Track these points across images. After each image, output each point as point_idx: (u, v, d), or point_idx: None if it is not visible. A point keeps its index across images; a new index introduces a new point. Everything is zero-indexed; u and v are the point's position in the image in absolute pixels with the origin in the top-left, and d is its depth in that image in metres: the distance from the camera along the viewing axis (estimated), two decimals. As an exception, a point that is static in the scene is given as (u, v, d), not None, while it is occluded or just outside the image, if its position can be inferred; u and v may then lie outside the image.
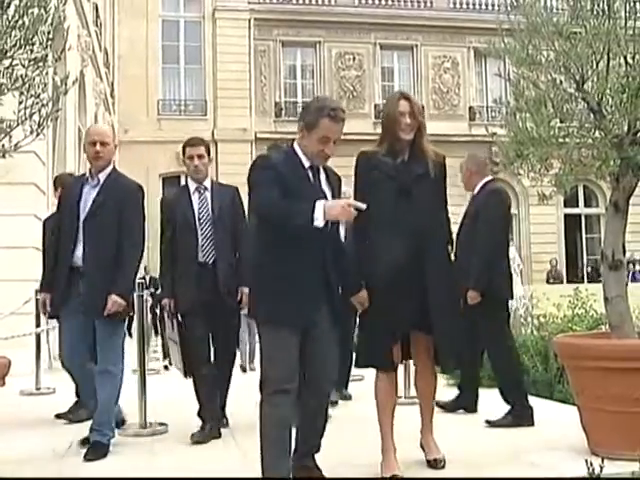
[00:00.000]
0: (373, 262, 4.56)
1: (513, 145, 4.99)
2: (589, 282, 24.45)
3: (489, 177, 6.73)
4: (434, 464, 4.76)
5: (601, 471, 4.40)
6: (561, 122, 4.96)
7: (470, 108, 30.64)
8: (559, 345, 5.46)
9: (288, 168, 4.11)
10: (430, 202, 4.65)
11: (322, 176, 4.25)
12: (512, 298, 6.69)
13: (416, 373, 4.94)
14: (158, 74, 29.13)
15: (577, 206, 31.49)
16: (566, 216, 31.24)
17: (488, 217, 6.37)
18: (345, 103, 29.37)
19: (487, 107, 30.61)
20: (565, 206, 30.53)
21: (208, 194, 6.26)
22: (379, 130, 4.65)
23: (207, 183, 6.34)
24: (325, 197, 4.10)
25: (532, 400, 6.49)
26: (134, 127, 27.35)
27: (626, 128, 4.84)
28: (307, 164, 4.17)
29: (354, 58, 30.07)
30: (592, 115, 4.89)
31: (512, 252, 21.27)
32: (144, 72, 28.50)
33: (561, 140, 4.91)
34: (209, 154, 6.41)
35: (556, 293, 10.28)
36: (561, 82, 4.95)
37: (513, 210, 31.39)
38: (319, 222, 3.83)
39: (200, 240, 6.09)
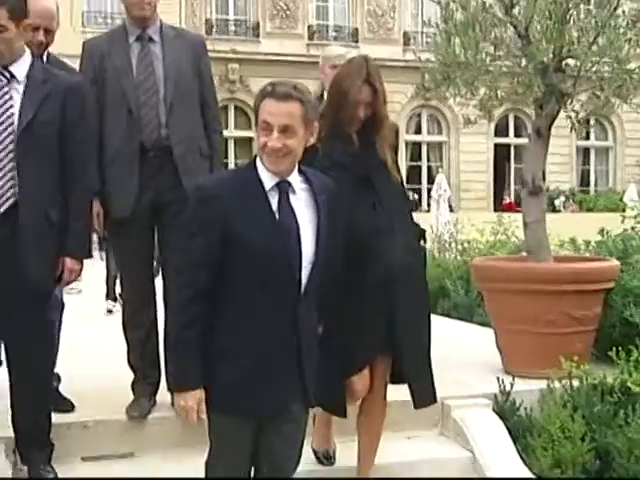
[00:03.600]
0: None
1: (441, 68, 5.04)
2: (517, 210, 24.92)
3: None
4: None
5: (511, 388, 4.63)
6: (490, 47, 5.01)
7: (405, 33, 30.49)
8: (476, 268, 5.61)
9: (237, 195, 2.82)
10: (394, 197, 3.78)
11: (302, 195, 2.91)
12: None
13: (363, 403, 3.86)
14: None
15: (507, 136, 31.87)
16: (496, 145, 31.63)
17: None
18: (278, 22, 29.11)
19: (422, 32, 30.48)
20: (495, 135, 30.88)
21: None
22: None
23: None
24: (296, 227, 2.85)
25: (454, 323, 6.65)
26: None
27: (551, 55, 4.92)
28: (270, 183, 2.84)
29: (286, -24, 29.53)
30: (519, 41, 4.95)
31: (440, 179, 21.70)
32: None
33: (488, 65, 4.97)
34: None
35: (480, 219, 10.45)
36: (490, 6, 4.98)
37: (443, 137, 31.76)
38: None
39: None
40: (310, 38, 29.16)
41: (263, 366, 2.83)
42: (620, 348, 4.67)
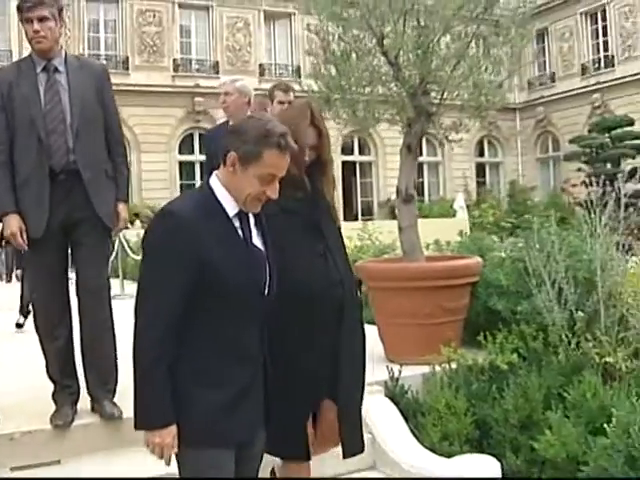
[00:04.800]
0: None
1: (323, 93, 5.04)
2: (363, 219, 25.30)
3: None
4: None
5: (399, 374, 4.66)
6: (364, 73, 5.05)
7: (260, 65, 30.56)
8: (358, 269, 5.63)
9: (206, 224, 2.44)
10: (338, 244, 3.33)
11: (251, 222, 2.63)
12: None
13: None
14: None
15: (352, 154, 32.36)
16: (343, 162, 32.12)
17: None
18: (146, 56, 28.55)
19: (275, 64, 30.70)
20: (342, 153, 31.34)
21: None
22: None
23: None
24: (263, 253, 2.61)
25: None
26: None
27: (419, 80, 5.00)
28: (233, 211, 2.53)
29: (154, 15, 29.02)
30: (391, 68, 5.01)
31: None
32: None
33: (365, 89, 5.00)
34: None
35: (348, 227, 10.57)
36: (364, 37, 5.02)
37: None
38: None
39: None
40: (175, 70, 28.82)
41: (237, 395, 2.47)
42: (487, 333, 4.79)
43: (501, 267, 5.30)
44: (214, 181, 2.54)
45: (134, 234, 14.29)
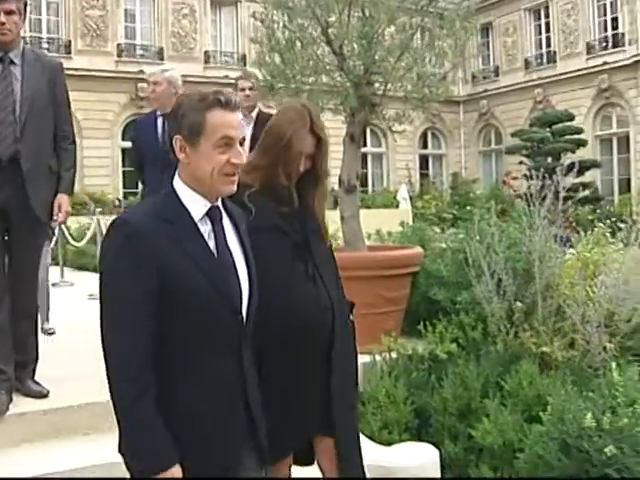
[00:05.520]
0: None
1: (267, 81, 5.01)
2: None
3: None
4: None
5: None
6: (309, 62, 5.04)
7: (205, 52, 30.25)
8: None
9: (167, 229, 2.13)
10: (329, 266, 2.95)
11: (227, 223, 2.29)
12: None
13: None
14: None
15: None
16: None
17: None
18: (89, 40, 28.02)
19: (220, 52, 30.42)
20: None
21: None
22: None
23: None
24: (233, 262, 2.24)
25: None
26: None
27: (363, 71, 5.01)
28: (200, 212, 2.19)
29: (98, -1, 28.53)
30: (335, 58, 5.00)
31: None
32: None
33: (309, 78, 4.99)
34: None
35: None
36: (309, 26, 5.00)
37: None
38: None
39: None
40: (119, 55, 28.35)
41: (212, 423, 2.14)
42: (427, 323, 4.84)
43: (442, 258, 5.36)
44: (176, 181, 2.22)
45: (74, 221, 14.07)
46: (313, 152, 2.83)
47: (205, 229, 2.19)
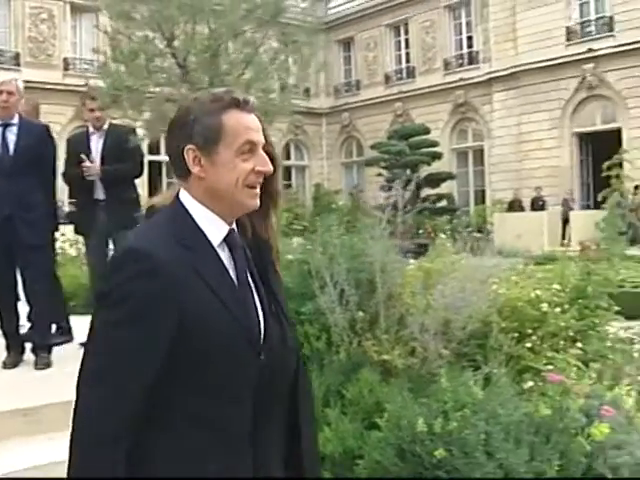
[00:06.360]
0: None
1: (109, 91, 4.94)
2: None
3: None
4: None
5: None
6: (153, 74, 5.01)
7: (65, 59, 29.42)
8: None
9: (185, 259, 1.75)
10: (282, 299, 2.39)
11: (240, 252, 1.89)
12: None
13: None
14: None
15: (159, 154, 31.92)
16: (150, 162, 31.51)
17: None
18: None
19: (81, 59, 29.66)
20: (150, 154, 30.76)
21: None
22: None
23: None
24: (252, 296, 1.88)
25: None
26: None
27: (207, 83, 5.02)
28: (218, 236, 1.82)
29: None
30: (179, 70, 4.99)
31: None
32: None
33: (152, 90, 4.96)
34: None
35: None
36: (153, 38, 4.98)
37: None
38: None
39: None
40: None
41: None
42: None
43: (288, 269, 5.40)
44: (186, 198, 1.82)
45: None
46: (268, 170, 2.30)
47: (224, 256, 1.83)
